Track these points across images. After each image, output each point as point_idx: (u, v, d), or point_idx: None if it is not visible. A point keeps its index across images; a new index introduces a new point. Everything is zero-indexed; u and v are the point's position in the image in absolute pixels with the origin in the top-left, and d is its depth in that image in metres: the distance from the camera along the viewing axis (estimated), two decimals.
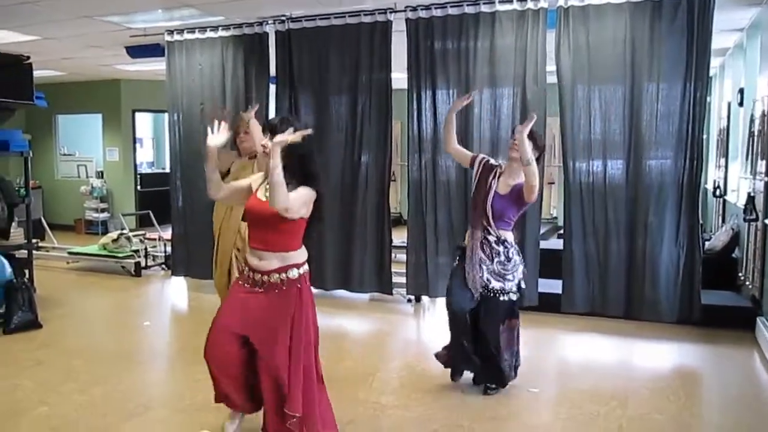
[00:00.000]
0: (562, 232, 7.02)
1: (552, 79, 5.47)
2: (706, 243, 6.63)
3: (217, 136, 3.04)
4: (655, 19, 5.13)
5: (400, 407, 3.82)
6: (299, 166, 3.02)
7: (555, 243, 7.20)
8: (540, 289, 5.66)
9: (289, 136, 2.89)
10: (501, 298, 3.91)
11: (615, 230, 5.42)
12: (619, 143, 5.35)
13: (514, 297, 3.96)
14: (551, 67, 5.48)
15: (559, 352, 5.09)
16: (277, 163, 2.82)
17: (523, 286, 4.04)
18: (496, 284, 3.89)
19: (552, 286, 5.68)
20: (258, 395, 3.18)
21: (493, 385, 4.01)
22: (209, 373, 3.18)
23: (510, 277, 3.91)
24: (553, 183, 10.60)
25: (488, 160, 4.07)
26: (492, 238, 3.90)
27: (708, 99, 5.17)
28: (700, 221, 5.40)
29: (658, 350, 5.01)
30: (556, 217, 10.75)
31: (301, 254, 3.12)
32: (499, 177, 3.94)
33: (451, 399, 3.94)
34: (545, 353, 4.98)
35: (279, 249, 3.04)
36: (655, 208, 5.30)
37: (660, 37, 5.13)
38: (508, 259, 3.90)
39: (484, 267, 3.89)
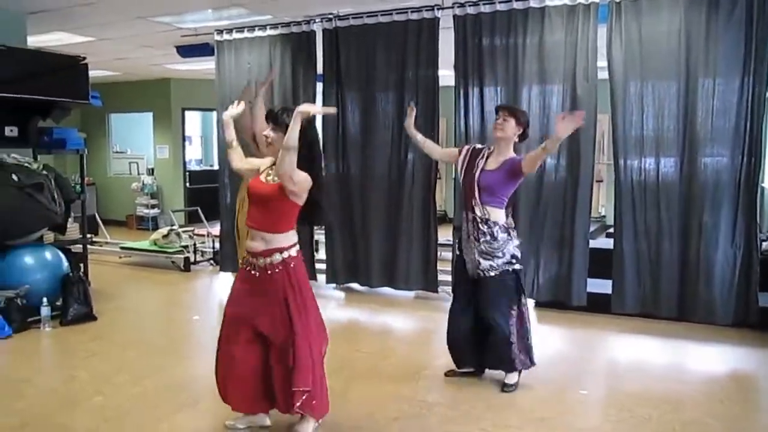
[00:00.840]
0: (611, 231, 6.88)
1: (602, 74, 5.36)
2: (764, 243, 6.39)
3: (233, 109, 3.26)
4: (711, 13, 4.98)
5: (446, 405, 3.80)
6: (307, 151, 3.07)
7: (604, 242, 7.06)
8: (589, 289, 5.57)
9: (316, 108, 2.99)
10: (491, 275, 3.88)
11: (668, 229, 5.29)
12: (673, 140, 5.22)
13: (509, 268, 3.90)
14: (602, 62, 5.37)
15: (609, 354, 4.98)
16: (296, 129, 2.90)
17: (518, 256, 3.95)
18: (484, 263, 3.87)
19: (601, 286, 5.58)
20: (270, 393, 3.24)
21: (512, 384, 3.98)
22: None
23: (499, 254, 3.87)
24: (602, 181, 10.38)
25: (475, 146, 4.11)
26: (478, 218, 3.88)
27: (767, 94, 4.97)
28: (758, 221, 5.22)
29: (712, 353, 4.86)
30: (604, 216, 10.53)
31: (287, 238, 3.17)
32: (487, 158, 3.94)
33: (499, 398, 3.89)
34: (594, 354, 4.89)
35: (267, 229, 3.13)
36: (710, 206, 5.15)
37: (716, 30, 4.98)
38: (494, 239, 3.86)
39: (475, 249, 3.90)
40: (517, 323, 3.98)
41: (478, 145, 4.14)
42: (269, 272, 3.14)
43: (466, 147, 4.14)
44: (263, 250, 3.14)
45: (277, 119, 3.11)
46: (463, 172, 4.02)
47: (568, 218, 5.57)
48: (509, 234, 3.94)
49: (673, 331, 5.21)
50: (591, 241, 5.78)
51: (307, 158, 3.07)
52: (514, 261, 3.93)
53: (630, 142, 5.35)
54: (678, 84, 5.14)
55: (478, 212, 3.89)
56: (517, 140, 3.96)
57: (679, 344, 5.03)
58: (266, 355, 3.21)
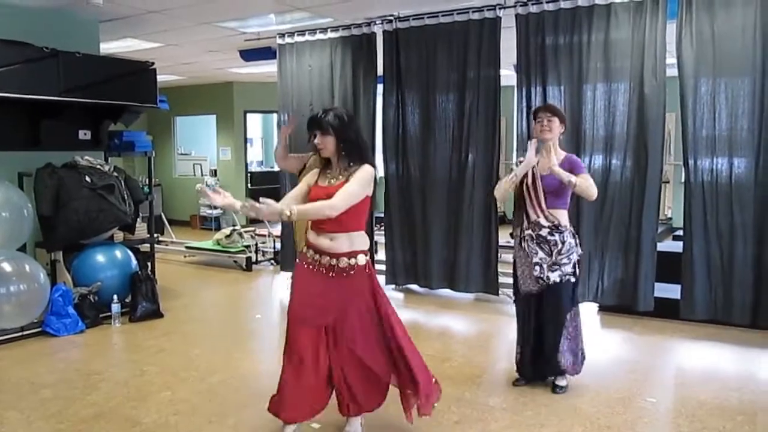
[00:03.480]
0: (678, 233, 6.66)
1: (671, 72, 5.19)
2: None
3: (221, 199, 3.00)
4: None
5: (508, 410, 3.75)
6: (354, 147, 3.11)
7: (671, 245, 6.86)
8: (656, 294, 5.39)
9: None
10: (554, 281, 3.82)
11: (741, 232, 5.07)
12: (747, 140, 5.00)
13: (571, 277, 3.84)
14: (671, 59, 5.20)
15: (678, 361, 4.81)
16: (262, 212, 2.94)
17: (579, 264, 3.89)
18: (552, 275, 3.80)
19: (669, 290, 5.41)
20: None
21: (563, 386, 3.97)
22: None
23: (565, 260, 3.80)
24: (668, 182, 10.05)
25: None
26: (545, 226, 3.80)
27: None
28: None
29: None
30: (671, 218, 10.21)
31: (364, 239, 3.16)
32: (537, 163, 3.83)
33: (562, 404, 3.81)
34: (662, 361, 4.73)
35: (346, 229, 3.09)
36: None
37: None
38: (563, 244, 3.79)
39: (544, 264, 3.81)
40: (572, 331, 3.94)
41: (522, 158, 3.97)
42: (352, 272, 3.11)
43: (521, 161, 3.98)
44: (347, 251, 3.10)
45: (322, 125, 3.10)
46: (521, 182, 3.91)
47: (635, 220, 5.41)
48: (575, 239, 3.90)
49: (746, 339, 4.99)
50: (658, 244, 5.60)
51: (361, 147, 3.13)
52: (575, 269, 3.87)
53: (701, 142, 5.15)
54: (753, 81, 4.92)
55: (543, 221, 3.81)
56: (561, 138, 3.94)
57: (753, 353, 4.81)
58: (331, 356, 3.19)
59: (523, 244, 3.90)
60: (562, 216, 3.84)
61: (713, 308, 5.20)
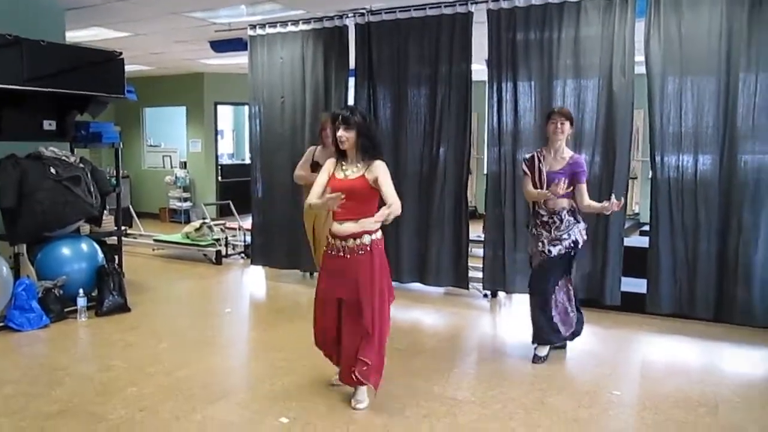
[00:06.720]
0: (645, 228, 6.77)
1: (639, 69, 5.26)
2: None
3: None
4: (754, 6, 4.85)
5: (476, 403, 3.77)
6: (370, 143, 3.54)
7: (638, 240, 6.97)
8: (623, 288, 5.48)
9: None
10: (552, 255, 4.34)
11: (705, 228, 5.17)
12: (713, 137, 5.10)
13: (570, 251, 4.36)
14: (639, 57, 5.27)
15: (643, 355, 4.90)
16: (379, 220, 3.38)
17: (580, 242, 4.37)
18: (553, 249, 4.31)
19: (635, 285, 5.50)
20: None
21: (542, 356, 4.43)
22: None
23: (564, 236, 4.31)
24: (636, 178, 10.21)
25: (528, 157, 4.52)
26: (550, 211, 4.33)
27: None
28: None
29: (750, 356, 4.75)
30: (638, 213, 10.37)
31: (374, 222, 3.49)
32: (544, 159, 4.38)
33: (530, 397, 3.86)
34: (628, 355, 4.82)
35: (358, 216, 3.50)
36: (750, 205, 5.03)
37: (759, 25, 4.85)
38: (561, 222, 4.31)
39: (545, 239, 4.34)
40: (564, 297, 4.45)
41: (527, 155, 4.56)
42: (360, 251, 3.51)
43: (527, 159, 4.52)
44: (354, 232, 3.50)
45: (349, 121, 3.48)
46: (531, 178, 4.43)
47: (603, 215, 5.47)
48: (575, 217, 4.35)
49: (709, 333, 5.10)
50: (625, 239, 5.69)
51: (375, 144, 3.58)
52: (575, 245, 4.34)
53: (667, 139, 5.24)
54: (718, 80, 5.01)
55: (550, 208, 4.33)
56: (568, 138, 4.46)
57: (716, 346, 4.92)
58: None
59: (532, 230, 4.45)
60: (563, 202, 4.33)
61: (678, 302, 5.30)
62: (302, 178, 5.13)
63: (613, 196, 4.31)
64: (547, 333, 4.44)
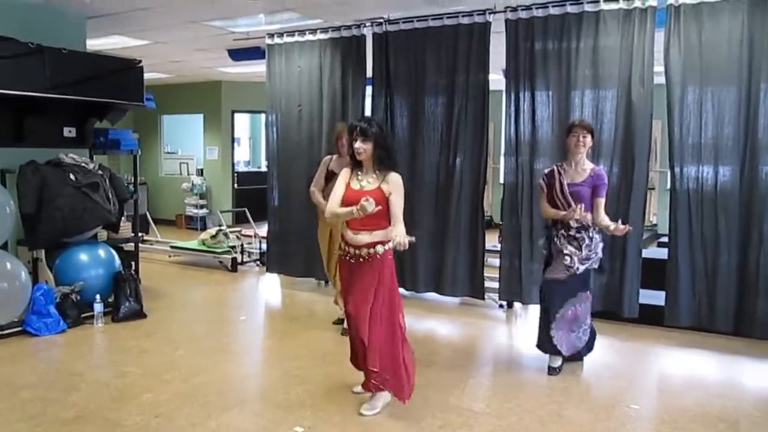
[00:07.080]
0: (662, 240, 6.70)
1: (659, 80, 5.22)
2: None
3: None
4: None
5: (492, 415, 3.74)
6: (387, 153, 3.58)
7: (656, 252, 6.89)
8: (641, 300, 5.42)
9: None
10: (579, 272, 4.34)
11: (726, 240, 5.10)
12: (733, 148, 5.03)
13: (594, 266, 4.39)
14: (658, 67, 5.23)
15: (661, 368, 4.83)
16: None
17: (602, 257, 4.42)
18: (582, 267, 4.31)
19: (654, 297, 5.43)
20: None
21: (556, 367, 4.41)
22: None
23: (593, 255, 4.33)
24: (653, 189, 10.12)
25: (548, 172, 4.50)
26: (576, 227, 4.28)
27: None
28: None
29: None
30: (656, 225, 10.26)
31: (386, 234, 3.56)
32: (565, 172, 4.37)
33: (546, 410, 3.81)
34: (645, 368, 4.76)
35: (373, 227, 3.55)
36: None
37: None
38: (591, 240, 4.30)
39: (575, 257, 4.29)
40: (584, 308, 4.44)
41: (546, 170, 4.55)
42: (370, 260, 3.58)
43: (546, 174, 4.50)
44: (368, 242, 3.56)
45: (367, 132, 3.52)
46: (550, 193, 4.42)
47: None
48: (600, 235, 4.36)
49: (729, 347, 5.02)
50: (643, 251, 5.63)
51: (392, 156, 3.62)
52: (598, 262, 4.39)
53: (687, 150, 5.18)
54: (739, 90, 4.96)
55: (572, 222, 4.26)
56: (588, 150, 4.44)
57: (736, 360, 4.85)
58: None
59: (555, 240, 4.38)
60: (588, 218, 4.26)
61: (697, 315, 5.23)
62: (318, 204, 5.14)
63: (619, 221, 4.23)
64: (543, 341, 4.47)
